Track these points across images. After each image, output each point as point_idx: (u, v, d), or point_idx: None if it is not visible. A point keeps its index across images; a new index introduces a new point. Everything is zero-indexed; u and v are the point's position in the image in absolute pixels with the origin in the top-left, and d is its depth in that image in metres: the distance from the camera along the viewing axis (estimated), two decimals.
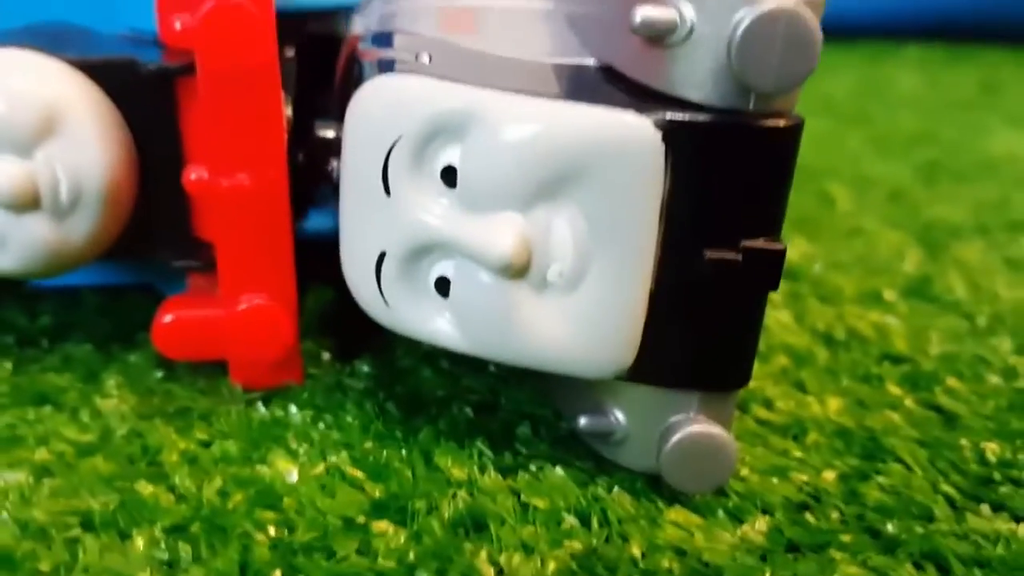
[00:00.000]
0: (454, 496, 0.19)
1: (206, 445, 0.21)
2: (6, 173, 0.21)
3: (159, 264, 0.23)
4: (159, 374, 0.23)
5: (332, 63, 0.27)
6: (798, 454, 0.21)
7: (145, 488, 0.19)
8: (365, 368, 0.24)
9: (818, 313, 0.27)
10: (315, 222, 0.25)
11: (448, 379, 0.23)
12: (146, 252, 0.23)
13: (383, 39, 0.22)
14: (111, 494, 0.19)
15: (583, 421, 0.20)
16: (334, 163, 0.22)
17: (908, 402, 0.23)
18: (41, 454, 0.20)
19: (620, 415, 0.20)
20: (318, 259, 0.23)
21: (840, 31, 0.73)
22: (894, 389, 0.24)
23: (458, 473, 0.20)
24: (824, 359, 0.25)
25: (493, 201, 0.18)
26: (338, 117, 0.23)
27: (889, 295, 0.29)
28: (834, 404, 0.23)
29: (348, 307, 0.21)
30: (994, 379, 0.24)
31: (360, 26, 0.25)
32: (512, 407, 0.22)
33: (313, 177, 0.24)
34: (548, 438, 0.21)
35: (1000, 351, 0.26)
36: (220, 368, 0.23)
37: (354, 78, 0.22)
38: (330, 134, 0.23)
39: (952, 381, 0.24)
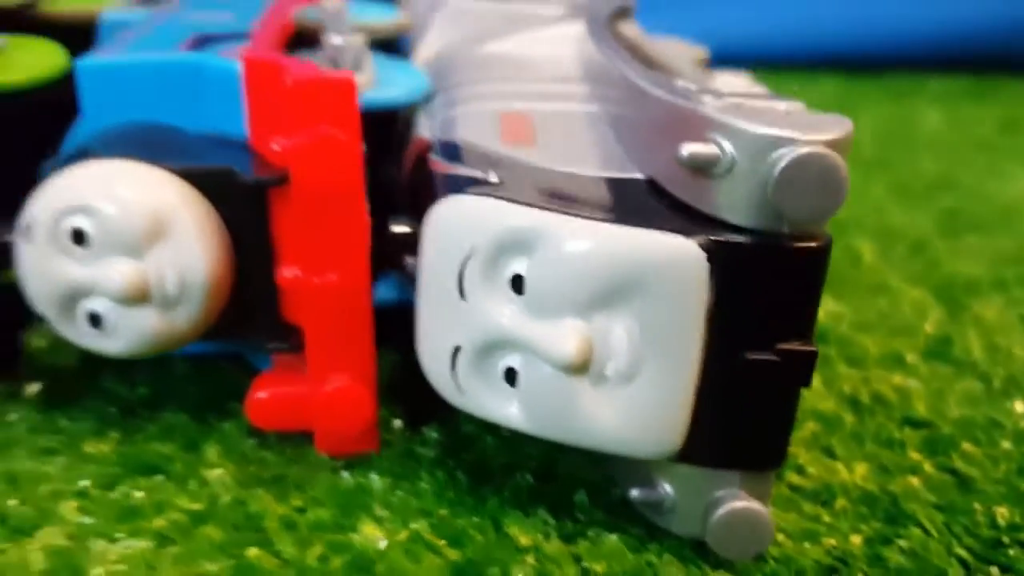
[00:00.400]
0: (523, 562, 0.22)
1: (301, 511, 0.23)
2: (121, 272, 0.24)
3: None
4: (252, 442, 0.26)
5: (388, 137, 0.29)
6: (827, 519, 0.24)
7: (253, 553, 0.22)
8: (434, 435, 0.26)
9: (845, 377, 0.30)
10: (381, 292, 0.28)
11: (509, 446, 0.26)
12: (240, 335, 0.26)
13: (452, 151, 0.24)
14: (225, 560, 0.21)
15: (636, 493, 0.23)
16: (409, 260, 0.25)
17: (927, 467, 0.26)
18: (159, 522, 0.23)
19: (669, 488, 0.22)
20: (385, 326, 0.26)
21: (867, 64, 0.75)
22: (914, 454, 0.26)
23: (525, 540, 0.22)
24: (851, 424, 0.27)
25: (557, 308, 0.21)
26: (408, 212, 0.25)
27: (911, 357, 0.31)
28: (860, 469, 0.25)
29: (415, 377, 0.24)
30: (1006, 444, 0.27)
31: (426, 128, 0.27)
32: (569, 473, 0.25)
33: (383, 259, 0.26)
34: (603, 505, 0.24)
35: (1013, 414, 0.28)
36: (304, 436, 0.25)
37: (425, 184, 0.25)
38: (403, 230, 0.25)
39: (968, 445, 0.26)
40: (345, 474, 0.25)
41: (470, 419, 0.27)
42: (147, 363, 0.29)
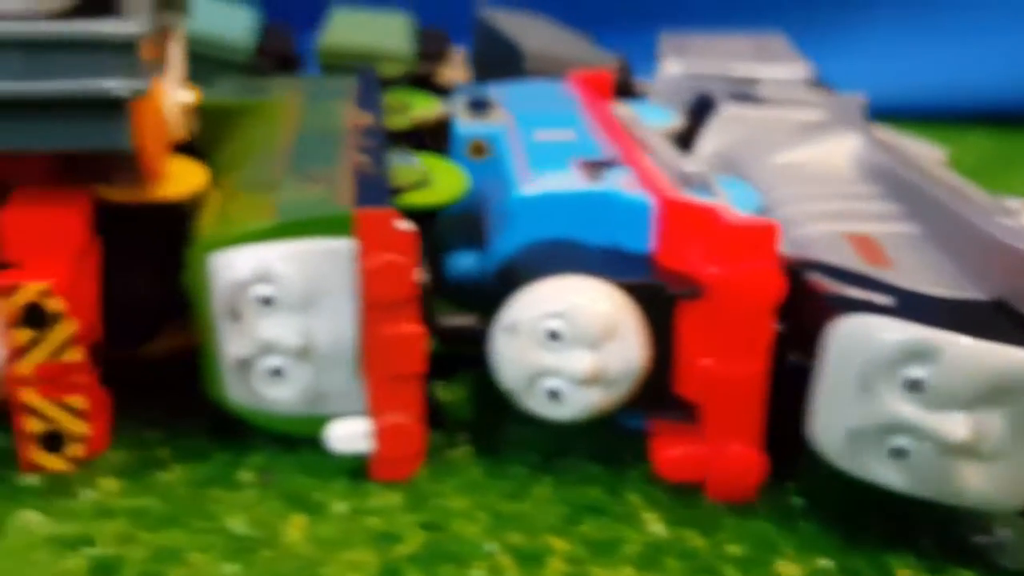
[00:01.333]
0: None
1: (724, 546, 0.31)
2: (584, 362, 0.32)
3: None
4: (657, 489, 0.34)
5: None
6: None
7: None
8: (791, 486, 0.34)
9: None
10: None
11: (852, 497, 0.33)
12: (648, 406, 0.34)
13: (829, 272, 0.32)
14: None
15: (979, 538, 0.30)
16: (790, 355, 0.32)
17: None
18: (629, 551, 0.30)
19: (1007, 533, 0.30)
20: None
21: (1013, 119, 0.82)
22: None
23: (904, 573, 0.30)
24: None
25: (950, 404, 0.28)
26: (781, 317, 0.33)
27: None
28: None
29: (776, 443, 0.32)
30: None
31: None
32: (912, 523, 0.32)
33: None
34: (949, 546, 0.31)
35: None
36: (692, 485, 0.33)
37: (802, 296, 0.32)
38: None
39: None
40: (742, 519, 0.32)
41: (817, 472, 0.34)
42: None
